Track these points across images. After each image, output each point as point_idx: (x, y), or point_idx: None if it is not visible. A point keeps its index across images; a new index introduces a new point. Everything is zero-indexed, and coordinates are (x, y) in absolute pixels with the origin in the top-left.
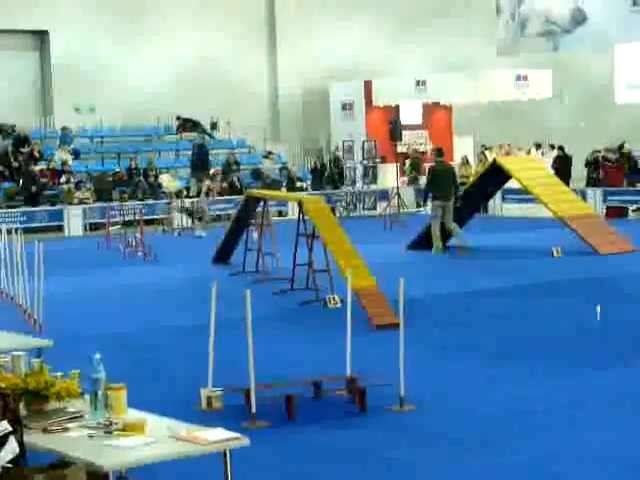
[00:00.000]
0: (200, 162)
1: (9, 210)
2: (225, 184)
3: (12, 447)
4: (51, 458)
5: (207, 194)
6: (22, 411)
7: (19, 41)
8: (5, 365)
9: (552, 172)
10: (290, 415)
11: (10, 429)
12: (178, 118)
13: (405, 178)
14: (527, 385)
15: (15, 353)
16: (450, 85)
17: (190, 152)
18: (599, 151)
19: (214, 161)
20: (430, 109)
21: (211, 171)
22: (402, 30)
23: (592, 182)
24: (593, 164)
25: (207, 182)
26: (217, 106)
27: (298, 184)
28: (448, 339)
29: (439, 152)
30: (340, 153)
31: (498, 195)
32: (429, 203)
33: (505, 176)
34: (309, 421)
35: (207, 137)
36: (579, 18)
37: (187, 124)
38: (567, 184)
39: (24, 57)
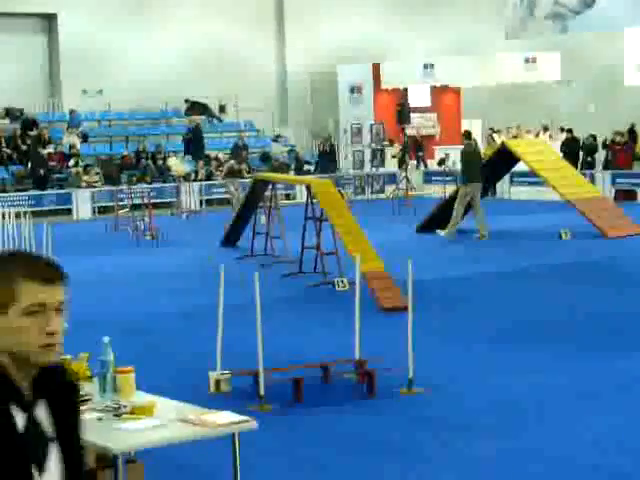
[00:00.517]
0: (198, 143)
1: (18, 193)
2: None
3: None
4: None
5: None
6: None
7: (27, 24)
8: None
9: (561, 155)
10: (298, 398)
11: None
12: (187, 101)
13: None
14: (535, 370)
15: None
16: (458, 68)
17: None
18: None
19: (221, 144)
20: (438, 92)
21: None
22: (411, 13)
23: (606, 165)
24: (605, 147)
25: (230, 162)
26: (225, 89)
27: (306, 167)
28: (456, 322)
29: (468, 135)
30: (334, 137)
31: (506, 178)
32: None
33: (514, 159)
34: (317, 404)
35: (215, 120)
36: (588, 0)
37: (195, 107)
38: (575, 167)
39: (32, 40)
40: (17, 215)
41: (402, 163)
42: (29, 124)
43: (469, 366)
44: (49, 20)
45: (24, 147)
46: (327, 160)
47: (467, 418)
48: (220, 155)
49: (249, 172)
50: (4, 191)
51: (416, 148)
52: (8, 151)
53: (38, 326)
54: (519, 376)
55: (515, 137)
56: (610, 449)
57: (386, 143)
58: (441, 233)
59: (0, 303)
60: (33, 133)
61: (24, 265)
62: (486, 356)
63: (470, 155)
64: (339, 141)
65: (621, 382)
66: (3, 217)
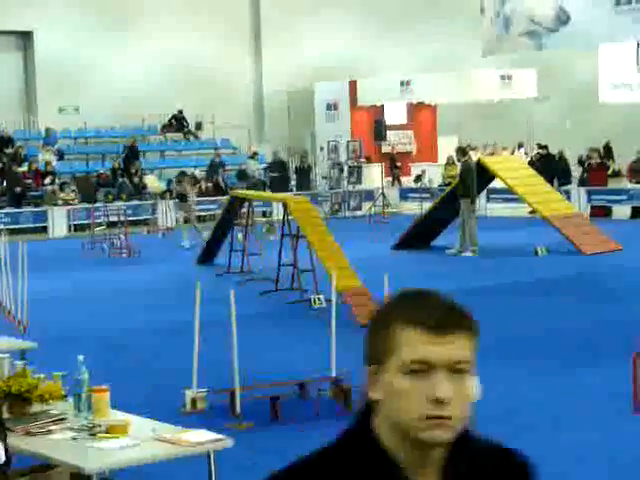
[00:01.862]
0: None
1: None
2: (209, 184)
3: None
4: (34, 461)
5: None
6: (5, 414)
7: (3, 41)
8: None
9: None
10: (275, 416)
11: None
12: (180, 111)
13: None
14: (517, 385)
15: None
16: (435, 85)
17: (174, 152)
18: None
19: (198, 161)
20: (415, 109)
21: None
22: (387, 30)
23: (582, 182)
24: (582, 164)
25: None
26: (202, 106)
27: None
28: None
29: (464, 151)
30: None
31: (483, 195)
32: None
33: (490, 176)
34: (295, 421)
35: (191, 137)
36: (563, 18)
37: (172, 123)
38: (551, 183)
39: (8, 58)
40: None
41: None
42: (5, 142)
43: None
44: (25, 37)
45: (0, 165)
46: (303, 177)
47: None
48: (197, 172)
49: (225, 189)
50: None
51: (391, 165)
52: None
53: (420, 390)
54: (500, 392)
55: (492, 154)
56: (590, 465)
57: (363, 160)
58: (468, 254)
59: (378, 354)
60: (9, 151)
61: (407, 305)
62: None
63: (471, 172)
64: (316, 158)
65: (601, 398)
66: None
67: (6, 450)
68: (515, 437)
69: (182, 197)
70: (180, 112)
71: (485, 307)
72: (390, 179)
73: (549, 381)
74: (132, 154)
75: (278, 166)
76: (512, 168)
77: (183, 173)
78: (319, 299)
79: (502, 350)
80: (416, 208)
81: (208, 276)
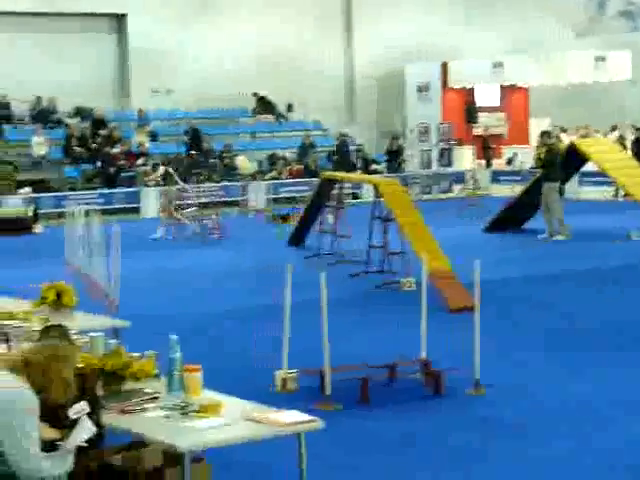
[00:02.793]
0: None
1: (88, 191)
2: (300, 166)
3: (87, 427)
4: (128, 438)
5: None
6: (100, 391)
7: (98, 24)
8: (83, 346)
9: (630, 154)
10: (364, 398)
11: (89, 409)
12: (255, 94)
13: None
14: (604, 376)
15: (93, 334)
16: (527, 67)
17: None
18: None
19: (288, 143)
20: (507, 91)
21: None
22: (479, 11)
23: None
24: None
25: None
26: (293, 88)
27: (373, 166)
28: (524, 323)
29: (549, 134)
30: (401, 137)
31: (575, 178)
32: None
33: (582, 159)
34: (383, 404)
35: (281, 119)
36: None
37: (262, 105)
38: None
39: (102, 40)
40: (87, 213)
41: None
42: (99, 123)
43: (537, 368)
44: (119, 20)
45: (94, 146)
46: (394, 159)
47: (534, 419)
48: (287, 154)
49: (315, 171)
50: (74, 189)
51: (484, 147)
52: (79, 150)
53: None
54: (587, 382)
55: (584, 137)
56: None
57: (453, 142)
58: (560, 237)
59: None
60: (103, 132)
61: None
62: (554, 358)
63: (557, 155)
64: (406, 140)
65: None
66: (73, 215)
67: (100, 427)
68: (605, 424)
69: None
70: (261, 98)
71: (577, 292)
72: (482, 161)
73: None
74: (195, 136)
75: (341, 148)
76: (605, 151)
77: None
78: (409, 282)
79: (595, 338)
80: (507, 191)
81: (298, 258)
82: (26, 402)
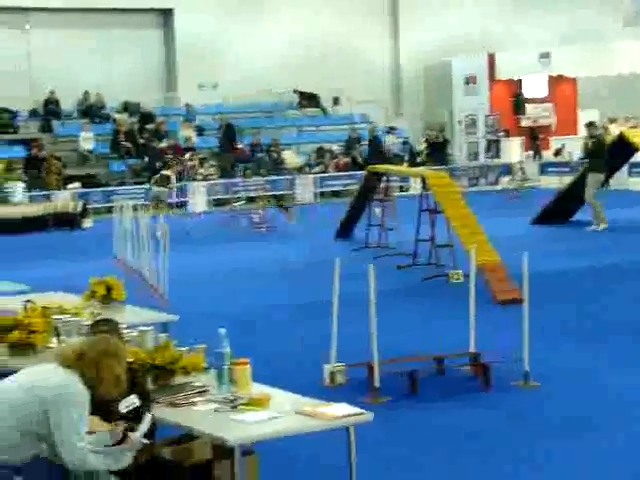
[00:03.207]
0: (229, 141)
1: (135, 186)
2: (347, 159)
3: (147, 421)
4: (178, 432)
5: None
6: (149, 385)
7: (145, 19)
8: (132, 340)
9: None
10: (413, 391)
11: (138, 403)
12: (295, 91)
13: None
14: None
15: (142, 328)
16: (575, 57)
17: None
18: None
19: (334, 136)
20: (554, 82)
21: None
22: (526, 2)
23: None
24: None
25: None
26: (339, 82)
27: (419, 159)
28: (572, 315)
29: (595, 125)
30: (447, 129)
31: (624, 169)
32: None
33: (631, 149)
34: (431, 397)
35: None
36: None
37: (305, 99)
38: None
39: (149, 35)
40: (134, 208)
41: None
42: (146, 118)
43: (588, 361)
44: (166, 15)
45: (142, 140)
46: (439, 151)
47: (585, 413)
48: (334, 147)
49: (362, 164)
50: (122, 184)
51: (532, 138)
52: (126, 145)
53: None
54: (638, 372)
55: (634, 127)
56: None
57: (501, 134)
58: (597, 228)
59: None
60: (150, 127)
61: None
62: (602, 350)
63: (603, 146)
64: (453, 132)
65: None
66: (121, 210)
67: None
68: None
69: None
70: (302, 93)
71: (626, 286)
72: (530, 153)
73: None
74: (229, 132)
75: (374, 142)
76: None
77: (164, 176)
78: (457, 274)
79: None
80: (555, 182)
81: (345, 251)
82: (76, 395)
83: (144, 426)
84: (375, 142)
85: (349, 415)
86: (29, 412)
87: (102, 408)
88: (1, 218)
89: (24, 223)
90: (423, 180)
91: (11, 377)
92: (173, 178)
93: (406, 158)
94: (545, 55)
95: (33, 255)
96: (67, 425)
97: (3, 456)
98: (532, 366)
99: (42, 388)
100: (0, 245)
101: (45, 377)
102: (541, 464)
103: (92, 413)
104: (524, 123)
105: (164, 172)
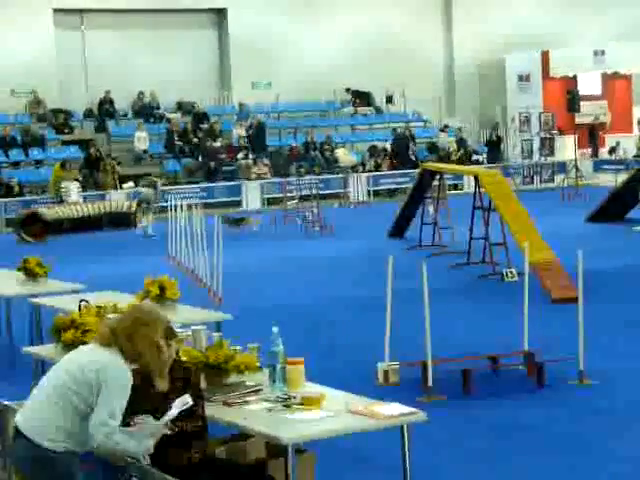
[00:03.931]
0: (259, 139)
1: (189, 185)
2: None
3: (183, 401)
4: (231, 431)
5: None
6: (202, 384)
7: (199, 19)
8: (186, 339)
9: None
10: (466, 389)
11: (192, 402)
12: (347, 90)
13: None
14: None
15: (195, 327)
16: (629, 54)
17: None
18: None
19: (388, 134)
20: (609, 79)
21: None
22: None
23: None
24: None
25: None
26: (392, 80)
27: (474, 157)
28: (627, 314)
29: None
30: (501, 127)
31: None
32: None
33: None
34: (485, 396)
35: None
36: None
37: (358, 97)
38: None
39: (203, 35)
40: (189, 207)
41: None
42: (200, 117)
43: None
44: (219, 15)
45: (195, 140)
46: (494, 150)
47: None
48: (387, 145)
49: (415, 162)
50: (176, 183)
51: (590, 136)
52: (180, 144)
53: None
54: None
55: None
56: None
57: (555, 132)
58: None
59: None
60: (204, 126)
61: None
62: None
63: None
64: (507, 130)
65: None
66: (175, 209)
67: (203, 419)
68: None
69: (147, 203)
70: (355, 92)
71: None
72: (584, 150)
73: None
74: (260, 131)
75: (400, 141)
76: None
77: (149, 180)
78: (511, 273)
79: None
80: (610, 180)
81: (399, 250)
82: (116, 374)
83: (174, 411)
84: (400, 144)
85: (403, 414)
86: (81, 395)
87: (155, 402)
88: (57, 218)
89: (79, 223)
90: (476, 178)
91: (54, 367)
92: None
93: (459, 156)
94: (599, 52)
95: (88, 254)
96: (103, 400)
97: (66, 442)
98: (587, 365)
99: (88, 370)
100: (56, 244)
101: (89, 359)
102: (599, 461)
103: (144, 412)
104: (578, 120)
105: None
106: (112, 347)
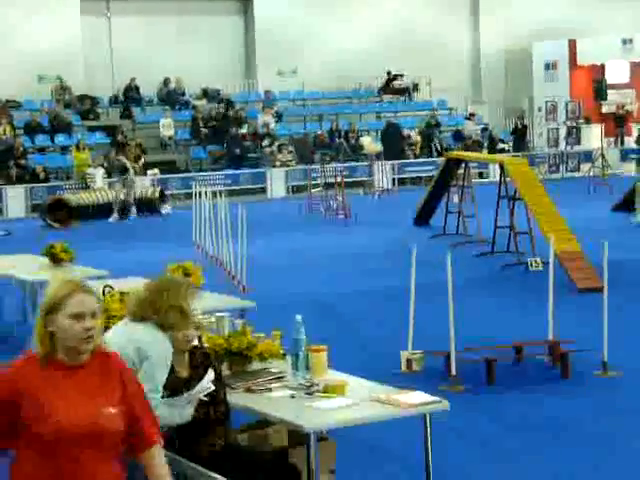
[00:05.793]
0: None
1: (214, 173)
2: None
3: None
4: (254, 418)
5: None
6: (225, 371)
7: (225, 6)
8: (210, 326)
9: None
10: (490, 379)
11: (214, 388)
12: (389, 73)
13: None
14: None
15: (219, 314)
16: None
17: (390, 114)
18: None
19: (414, 122)
20: (637, 67)
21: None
22: None
23: None
24: None
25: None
26: (418, 68)
27: (499, 146)
28: None
29: None
30: (527, 115)
31: None
32: None
33: None
34: (509, 385)
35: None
36: None
37: (391, 83)
38: None
39: (229, 22)
40: (214, 194)
41: None
42: (226, 104)
43: None
44: (245, 2)
45: (221, 127)
46: (519, 138)
47: None
48: (412, 133)
49: (441, 150)
50: (201, 170)
51: (616, 125)
52: (205, 131)
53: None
54: None
55: None
56: None
57: (582, 121)
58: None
59: None
60: (229, 113)
61: None
62: None
63: None
64: (533, 119)
65: None
66: (200, 196)
67: (226, 404)
68: None
69: (122, 170)
70: (389, 74)
71: None
72: (611, 139)
73: None
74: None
75: (388, 132)
76: None
77: (122, 144)
78: (536, 262)
79: None
80: (637, 169)
81: (423, 238)
82: (157, 345)
83: (205, 383)
84: (389, 134)
85: (426, 403)
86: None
87: (176, 387)
88: (82, 204)
89: (104, 209)
90: (502, 167)
91: None
92: (132, 170)
93: (486, 144)
94: (627, 41)
95: (112, 240)
96: (147, 374)
97: None
98: (612, 355)
99: (130, 350)
100: (80, 231)
101: (127, 338)
102: (621, 451)
103: (168, 395)
104: (605, 109)
105: (119, 159)
106: (145, 320)
